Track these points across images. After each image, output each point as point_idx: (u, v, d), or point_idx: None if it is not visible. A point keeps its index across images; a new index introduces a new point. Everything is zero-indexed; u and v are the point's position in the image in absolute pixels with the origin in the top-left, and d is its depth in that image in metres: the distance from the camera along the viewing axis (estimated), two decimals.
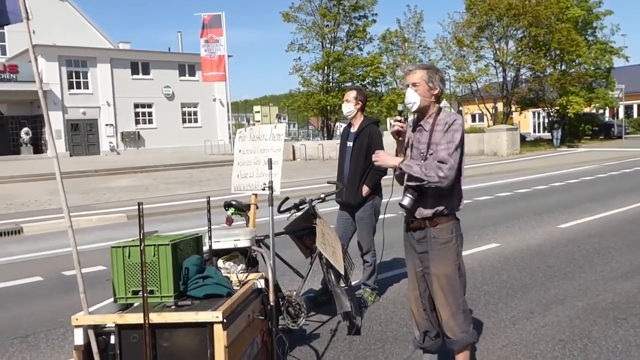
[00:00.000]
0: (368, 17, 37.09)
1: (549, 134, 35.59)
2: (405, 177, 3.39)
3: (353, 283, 5.27)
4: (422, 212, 3.34)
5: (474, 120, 53.86)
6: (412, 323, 3.64)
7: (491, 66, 34.15)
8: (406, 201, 3.26)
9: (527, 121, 50.82)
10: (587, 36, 35.50)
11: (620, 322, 4.71)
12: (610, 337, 4.39)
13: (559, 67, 34.57)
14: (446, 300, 3.35)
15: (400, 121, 3.28)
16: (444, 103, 33.42)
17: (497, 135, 27.49)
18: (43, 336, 5.06)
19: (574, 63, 34.07)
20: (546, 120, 41.00)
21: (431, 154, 3.26)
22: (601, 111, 37.55)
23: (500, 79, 34.29)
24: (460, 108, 44.72)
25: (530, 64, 32.28)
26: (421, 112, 3.37)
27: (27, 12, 2.98)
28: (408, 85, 3.35)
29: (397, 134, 3.35)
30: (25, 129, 38.22)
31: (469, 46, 33.61)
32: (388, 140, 6.79)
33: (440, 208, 3.32)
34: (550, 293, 5.61)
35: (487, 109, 35.28)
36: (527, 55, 31.86)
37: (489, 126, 33.34)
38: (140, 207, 2.68)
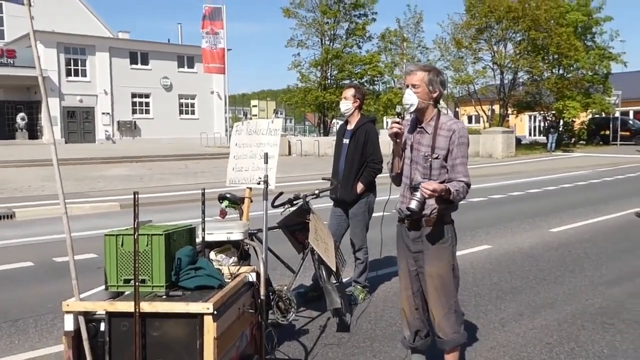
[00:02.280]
0: (368, 16, 37.05)
1: (545, 137, 35.70)
2: (406, 179, 3.39)
3: (344, 280, 5.28)
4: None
5: (470, 121, 53.88)
6: (402, 322, 3.65)
7: (489, 68, 34.24)
8: (414, 204, 3.21)
9: (523, 124, 50.89)
10: (586, 41, 35.59)
11: (608, 327, 4.75)
12: (597, 342, 4.43)
13: (557, 71, 34.65)
14: (440, 300, 3.36)
15: (398, 123, 3.27)
16: (440, 104, 33.49)
17: (493, 137, 27.56)
18: (32, 321, 5.06)
19: (571, 68, 34.15)
20: (542, 124, 41.07)
21: (436, 157, 3.27)
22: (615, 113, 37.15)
23: (498, 82, 34.35)
24: (457, 109, 44.80)
25: (528, 67, 32.32)
26: (419, 113, 3.36)
27: None
28: (408, 86, 3.32)
29: (395, 136, 3.33)
30: (21, 114, 38.02)
31: (468, 48, 33.63)
32: (384, 138, 6.82)
33: (439, 208, 3.32)
34: (540, 296, 5.64)
35: (484, 111, 35.35)
36: (525, 59, 31.90)
37: (485, 128, 33.41)
38: (136, 196, 2.68)
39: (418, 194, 3.20)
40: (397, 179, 3.49)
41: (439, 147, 3.27)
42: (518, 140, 32.74)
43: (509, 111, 35.79)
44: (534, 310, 5.23)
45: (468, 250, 7.66)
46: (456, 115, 42.37)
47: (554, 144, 32.54)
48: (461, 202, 3.36)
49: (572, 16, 33.50)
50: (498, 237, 8.59)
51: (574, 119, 35.58)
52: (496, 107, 35.96)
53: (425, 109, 3.33)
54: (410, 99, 3.29)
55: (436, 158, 3.26)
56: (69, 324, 2.81)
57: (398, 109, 3.37)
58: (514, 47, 33.24)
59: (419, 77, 3.29)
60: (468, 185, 3.27)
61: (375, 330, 4.79)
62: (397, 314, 4.45)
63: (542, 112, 36.74)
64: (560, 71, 34.72)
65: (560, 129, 35.73)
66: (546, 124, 36.85)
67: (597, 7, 35.37)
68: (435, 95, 3.32)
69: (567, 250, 7.69)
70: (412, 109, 3.31)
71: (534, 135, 50.21)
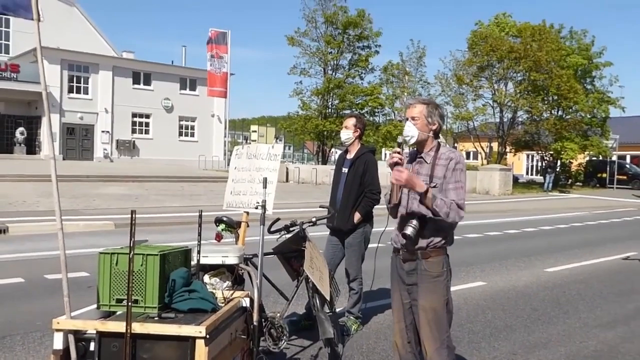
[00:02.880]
0: (371, 48, 37.50)
1: (542, 177, 35.83)
2: (403, 209, 3.39)
3: (337, 310, 5.23)
4: (418, 243, 3.33)
5: (468, 157, 54.02)
6: (394, 355, 3.60)
7: (489, 106, 34.52)
8: (409, 230, 3.23)
9: (520, 163, 51.15)
10: (585, 84, 36.09)
11: None
12: None
13: (556, 113, 35.00)
14: (432, 334, 3.33)
15: (399, 153, 3.30)
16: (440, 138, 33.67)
17: (490, 174, 27.66)
18: (19, 339, 4.98)
19: (570, 109, 34.52)
20: (540, 164, 41.27)
21: (434, 186, 3.28)
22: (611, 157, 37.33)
23: (497, 119, 34.61)
24: (456, 145, 45.03)
25: (527, 107, 32.62)
26: (419, 145, 3.42)
27: (38, 14, 2.99)
28: (407, 119, 3.40)
29: (395, 165, 3.34)
30: (21, 129, 38.08)
31: (469, 84, 33.96)
32: (383, 169, 6.81)
33: (436, 240, 3.33)
34: (534, 336, 5.59)
35: (482, 148, 35.56)
36: (525, 99, 32.22)
37: (482, 165, 33.54)
38: (133, 215, 2.67)
39: (414, 221, 3.24)
40: (394, 211, 3.49)
41: (437, 175, 3.31)
42: (515, 179, 32.86)
43: (507, 149, 36.00)
44: (528, 349, 5.17)
45: (463, 285, 7.61)
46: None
47: (550, 184, 32.66)
48: (456, 237, 3.34)
49: (573, 59, 34.02)
50: (493, 274, 8.55)
51: (571, 160, 35.79)
52: (494, 145, 36.18)
53: (425, 141, 3.40)
54: (411, 131, 3.37)
55: (434, 186, 3.28)
56: (58, 342, 2.77)
57: (399, 139, 3.41)
58: (514, 86, 33.60)
59: (418, 110, 3.37)
60: (459, 206, 3.22)
61: None
62: (389, 347, 4.39)
63: (540, 152, 36.96)
64: (560, 112, 35.07)
65: (558, 169, 35.91)
66: (544, 164, 37.05)
67: (598, 52, 35.96)
68: (434, 127, 3.39)
69: (561, 290, 7.65)
70: (413, 140, 3.38)
71: (531, 174, 50.41)
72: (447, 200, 3.20)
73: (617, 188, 35.01)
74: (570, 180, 37.21)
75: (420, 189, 3.16)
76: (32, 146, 38.67)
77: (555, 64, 31.36)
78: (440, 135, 3.50)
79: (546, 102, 33.98)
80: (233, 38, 38.82)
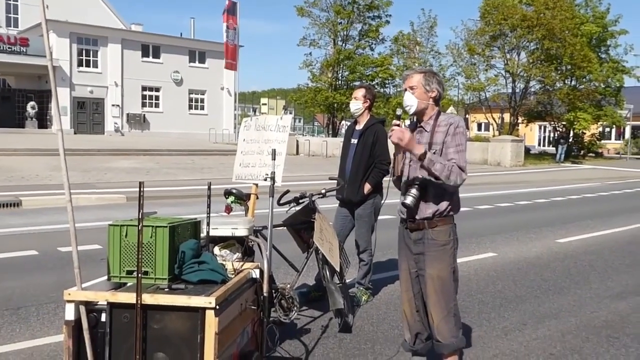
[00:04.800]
0: (382, 18, 37.00)
1: (554, 148, 35.54)
2: (405, 178, 3.39)
3: (347, 281, 5.25)
4: (423, 212, 3.33)
5: (479, 129, 53.76)
6: (403, 325, 3.63)
7: (501, 76, 34.11)
8: (409, 200, 3.26)
9: (532, 134, 50.74)
10: (600, 53, 35.47)
11: (613, 340, 4.69)
12: (601, 355, 4.38)
13: (569, 82, 34.51)
14: (439, 302, 3.35)
15: (398, 125, 3.29)
16: (450, 110, 33.43)
17: (502, 145, 27.46)
18: (34, 310, 5.06)
19: (584, 79, 34.01)
20: (552, 135, 40.89)
21: (434, 152, 3.26)
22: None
23: (509, 90, 34.24)
24: (467, 116, 44.65)
25: (540, 77, 32.19)
26: (420, 115, 3.42)
27: None
28: (406, 89, 3.40)
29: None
30: (32, 103, 38.16)
31: (481, 54, 33.53)
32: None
33: (441, 209, 3.33)
34: (544, 306, 5.59)
35: (494, 119, 35.24)
36: (538, 68, 31.75)
37: (494, 136, 33.31)
38: (142, 186, 2.66)
39: (413, 190, 3.26)
40: (398, 183, 3.49)
41: (437, 142, 3.31)
42: (527, 150, 32.61)
43: (519, 120, 35.67)
44: (537, 320, 5.18)
45: (473, 257, 7.60)
46: (466, 121, 42.25)
47: (563, 155, 32.40)
48: (465, 207, 3.32)
49: (587, 28, 33.38)
50: (503, 245, 8.53)
51: (584, 131, 35.40)
52: (506, 116, 35.83)
53: (425, 109, 3.39)
54: (410, 100, 3.37)
55: (434, 153, 3.25)
56: (69, 313, 2.80)
57: (398, 111, 3.40)
58: (527, 55, 33.13)
59: (416, 79, 3.37)
60: (460, 168, 3.20)
61: (377, 332, 4.76)
62: (399, 317, 4.42)
63: (552, 123, 36.60)
64: (573, 82, 34.58)
65: (570, 140, 35.57)
66: (556, 135, 36.68)
67: (613, 20, 35.25)
68: (433, 94, 3.38)
69: (572, 261, 7.63)
70: (412, 110, 3.38)
71: (543, 145, 50.08)
72: (448, 164, 3.19)
73: (630, 158, 34.68)
74: (582, 151, 36.86)
75: (419, 151, 3.17)
76: (43, 120, 38.80)
77: (569, 33, 30.80)
78: (451, 107, 3.47)
79: (559, 72, 33.48)
80: (242, 9, 38.41)
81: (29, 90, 39.49)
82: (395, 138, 3.19)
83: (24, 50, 35.84)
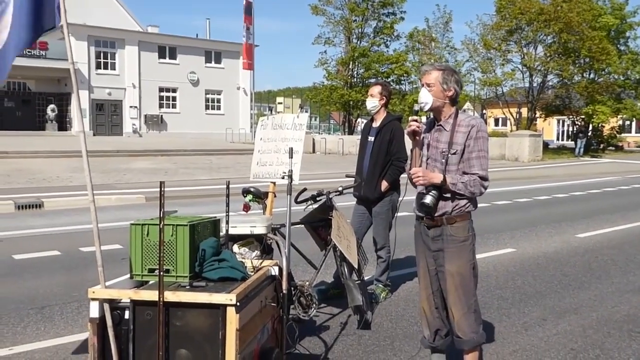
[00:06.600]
0: (396, 14, 36.74)
1: (573, 142, 35.15)
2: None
3: (365, 278, 5.26)
4: (442, 209, 3.33)
5: (497, 124, 53.36)
6: (422, 322, 3.64)
7: (518, 70, 33.79)
8: (428, 199, 3.26)
9: (550, 128, 50.21)
10: (618, 45, 34.97)
11: (635, 335, 4.66)
12: (623, 350, 4.34)
13: (588, 75, 34.08)
14: (459, 299, 3.35)
15: (416, 121, 3.30)
16: (467, 105, 33.24)
17: (520, 140, 27.23)
18: (58, 309, 5.15)
19: (603, 72, 33.57)
20: (570, 129, 40.44)
21: (453, 153, 3.27)
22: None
23: (527, 84, 33.90)
24: (484, 111, 44.34)
25: (558, 70, 31.84)
26: (436, 112, 3.39)
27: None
28: (423, 85, 3.38)
29: (414, 134, 3.36)
30: (52, 106, 38.68)
31: (497, 49, 33.23)
32: (407, 138, 6.76)
33: (461, 204, 3.33)
34: (564, 301, 5.56)
35: (511, 114, 34.93)
36: (556, 62, 31.41)
37: (512, 131, 33.01)
38: (162, 186, 2.71)
39: (433, 190, 3.27)
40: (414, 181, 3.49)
41: (457, 142, 3.29)
42: (545, 145, 32.30)
43: (537, 114, 35.31)
44: (558, 315, 5.15)
45: (492, 252, 7.57)
46: (483, 117, 41.94)
47: (582, 149, 32.03)
48: (483, 203, 3.33)
49: (605, 20, 32.91)
50: (523, 240, 8.48)
51: (603, 124, 34.95)
52: (524, 110, 35.51)
53: (442, 108, 3.36)
54: (426, 97, 3.34)
55: (453, 154, 3.27)
56: (94, 311, 2.86)
57: (416, 107, 3.41)
58: (544, 49, 32.76)
59: (433, 77, 3.34)
60: (482, 178, 3.25)
61: (396, 329, 4.77)
62: (417, 314, 4.43)
63: (571, 117, 36.19)
64: (591, 75, 34.15)
65: (589, 134, 35.16)
66: (575, 129, 36.27)
67: (632, 11, 34.73)
68: (450, 93, 3.34)
69: (593, 256, 7.56)
70: (427, 107, 3.37)
71: (562, 139, 49.50)
72: (469, 180, 3.23)
73: None
74: (602, 145, 36.38)
75: (438, 180, 3.22)
76: (63, 123, 39.32)
77: (586, 25, 30.41)
78: (468, 102, 3.48)
79: (577, 65, 33.06)
80: (257, 9, 38.55)
81: (48, 94, 40.04)
82: (416, 181, 3.30)
83: (44, 54, 36.32)
